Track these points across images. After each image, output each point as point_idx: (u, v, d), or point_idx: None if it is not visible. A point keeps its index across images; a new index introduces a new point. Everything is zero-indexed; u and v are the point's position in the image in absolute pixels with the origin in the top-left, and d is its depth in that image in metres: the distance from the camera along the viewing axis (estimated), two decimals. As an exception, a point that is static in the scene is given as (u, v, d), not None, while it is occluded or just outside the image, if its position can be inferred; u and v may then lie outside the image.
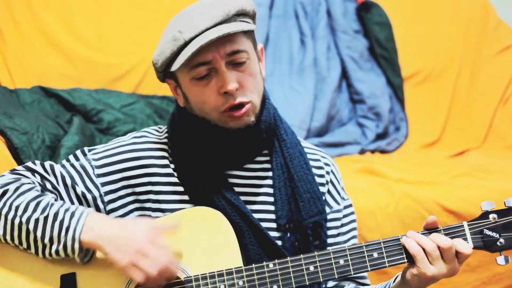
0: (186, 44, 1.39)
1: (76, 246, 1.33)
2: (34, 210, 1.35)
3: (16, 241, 1.37)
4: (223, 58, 1.41)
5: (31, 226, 1.34)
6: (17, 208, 1.36)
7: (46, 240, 1.34)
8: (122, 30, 2.89)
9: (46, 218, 1.34)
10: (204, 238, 1.42)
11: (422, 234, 1.40)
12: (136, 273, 1.31)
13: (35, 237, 1.35)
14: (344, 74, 3.13)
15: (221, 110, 1.43)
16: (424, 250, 1.37)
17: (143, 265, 1.30)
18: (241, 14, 1.44)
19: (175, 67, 1.40)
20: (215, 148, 1.49)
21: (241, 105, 1.43)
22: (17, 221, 1.35)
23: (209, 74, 1.42)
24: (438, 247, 1.36)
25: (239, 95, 1.42)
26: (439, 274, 1.36)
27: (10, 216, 1.36)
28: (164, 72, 1.48)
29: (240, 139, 1.48)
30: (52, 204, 1.37)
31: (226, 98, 1.42)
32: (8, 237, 1.37)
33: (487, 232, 1.40)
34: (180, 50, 1.40)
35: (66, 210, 1.36)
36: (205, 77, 1.42)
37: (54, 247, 1.35)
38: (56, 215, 1.35)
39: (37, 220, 1.35)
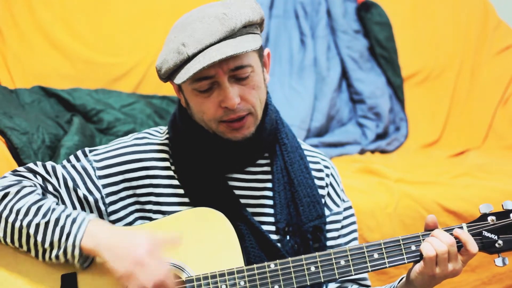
0: (189, 59, 1.38)
1: (76, 252, 1.34)
2: (35, 215, 1.35)
3: (17, 244, 1.37)
4: (226, 73, 1.39)
5: (31, 231, 1.35)
6: (18, 211, 1.36)
7: (47, 245, 1.35)
8: (122, 30, 2.89)
9: (47, 223, 1.34)
10: (206, 238, 1.42)
11: (423, 234, 1.41)
12: (132, 284, 1.30)
13: (35, 241, 1.35)
14: (344, 74, 3.13)
15: (219, 121, 1.43)
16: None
17: (140, 276, 1.30)
18: (247, 26, 1.41)
19: (177, 81, 1.39)
20: (214, 153, 1.49)
21: (240, 118, 1.43)
22: (17, 224, 1.35)
23: (211, 87, 1.41)
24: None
25: (240, 109, 1.41)
26: (441, 273, 1.38)
27: (10, 220, 1.36)
28: (166, 79, 1.47)
29: (238, 148, 1.48)
30: (53, 209, 1.36)
31: (225, 112, 1.41)
32: (8, 240, 1.37)
33: (485, 234, 1.41)
34: (183, 64, 1.39)
35: (68, 216, 1.35)
36: (207, 90, 1.41)
37: (54, 252, 1.35)
38: (57, 220, 1.35)
39: (38, 225, 1.35)
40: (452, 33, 3.25)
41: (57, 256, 1.35)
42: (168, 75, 1.44)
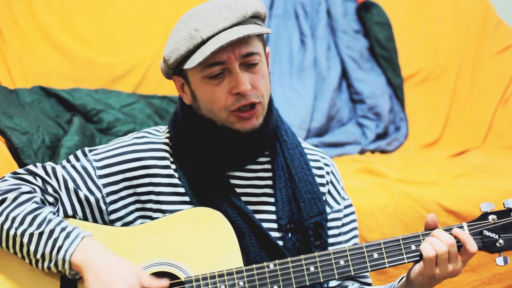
0: (203, 42, 1.39)
1: (66, 266, 1.34)
2: (30, 224, 1.36)
3: (11, 251, 1.38)
4: (238, 59, 1.41)
5: (25, 240, 1.35)
6: (13, 219, 1.36)
7: (38, 256, 1.35)
8: (122, 30, 2.89)
9: (41, 234, 1.35)
10: (205, 238, 1.42)
11: (423, 234, 1.41)
12: None
13: (28, 250, 1.36)
14: (344, 74, 3.13)
15: (231, 110, 1.43)
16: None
17: None
18: (255, 17, 1.45)
19: (190, 64, 1.40)
20: (218, 149, 1.50)
21: (251, 106, 1.43)
22: (12, 232, 1.36)
23: (222, 73, 1.42)
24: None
25: (251, 96, 1.43)
26: (441, 273, 1.38)
27: (5, 227, 1.36)
28: (175, 69, 1.48)
29: (245, 141, 1.48)
30: (49, 220, 1.37)
31: (236, 99, 1.42)
32: (3, 246, 1.38)
33: (486, 233, 1.41)
34: (196, 48, 1.40)
35: (63, 229, 1.36)
36: (218, 76, 1.42)
37: (45, 264, 1.35)
38: (51, 232, 1.35)
39: (31, 235, 1.35)
40: (452, 33, 3.25)
41: (49, 268, 1.35)
42: (177, 64, 1.44)
